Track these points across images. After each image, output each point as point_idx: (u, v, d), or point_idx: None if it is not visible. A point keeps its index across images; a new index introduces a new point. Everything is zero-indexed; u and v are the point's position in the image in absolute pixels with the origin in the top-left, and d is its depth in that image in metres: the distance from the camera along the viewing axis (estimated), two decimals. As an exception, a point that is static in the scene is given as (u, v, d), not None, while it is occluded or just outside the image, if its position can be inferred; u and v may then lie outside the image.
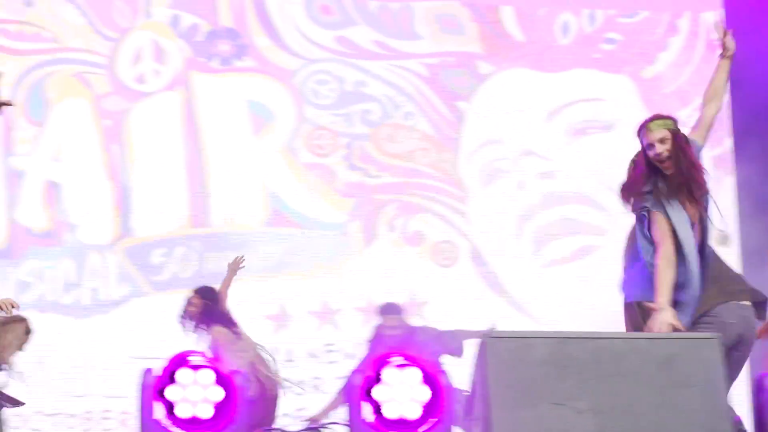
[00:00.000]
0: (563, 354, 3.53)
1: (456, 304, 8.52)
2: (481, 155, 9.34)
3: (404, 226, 9.17)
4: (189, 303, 7.40)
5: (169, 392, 3.89)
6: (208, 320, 7.28)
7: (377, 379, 3.80)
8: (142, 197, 8.94)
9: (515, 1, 9.63)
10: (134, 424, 5.76)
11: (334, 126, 9.33)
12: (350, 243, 9.07)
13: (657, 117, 4.99)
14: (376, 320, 7.78)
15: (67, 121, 8.99)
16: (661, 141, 4.84)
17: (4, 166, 8.91)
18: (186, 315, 7.37)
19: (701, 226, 4.85)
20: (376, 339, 7.61)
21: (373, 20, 9.46)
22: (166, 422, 3.82)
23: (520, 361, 3.52)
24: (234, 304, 7.70)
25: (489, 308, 8.76)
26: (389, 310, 7.79)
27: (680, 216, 4.76)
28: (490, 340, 3.56)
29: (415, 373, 3.78)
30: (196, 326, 7.27)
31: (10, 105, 3.68)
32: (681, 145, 4.85)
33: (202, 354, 4.13)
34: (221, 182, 9.10)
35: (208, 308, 7.29)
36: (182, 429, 3.83)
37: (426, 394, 3.72)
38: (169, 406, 3.87)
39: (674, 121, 4.96)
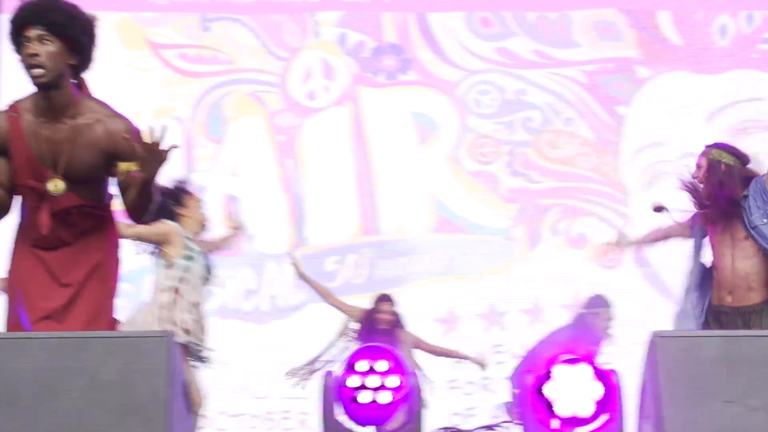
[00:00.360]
0: (733, 352, 3.45)
1: (620, 306, 8.37)
2: (642, 158, 9.19)
3: (567, 229, 9.08)
4: (380, 311, 7.49)
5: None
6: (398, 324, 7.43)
7: (548, 377, 3.76)
8: (315, 208, 9.06)
9: (672, 6, 9.44)
10: (313, 423, 5.85)
11: (496, 134, 9.30)
12: (515, 247, 9.02)
13: None
14: (579, 311, 7.79)
15: (243, 138, 9.19)
16: None
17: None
18: (380, 321, 7.46)
19: None
20: (579, 327, 7.58)
21: (531, 30, 9.40)
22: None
23: (690, 359, 3.45)
24: (404, 308, 7.77)
25: (653, 309, 8.59)
26: (596, 303, 7.78)
27: None
28: (659, 340, 3.49)
29: (586, 370, 3.73)
30: (386, 332, 7.34)
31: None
32: None
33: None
34: (389, 191, 9.16)
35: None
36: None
37: (598, 390, 3.67)
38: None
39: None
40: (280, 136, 9.20)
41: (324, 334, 7.70)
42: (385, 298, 7.60)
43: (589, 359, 3.74)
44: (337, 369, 3.94)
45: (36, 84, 3.79)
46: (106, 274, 3.98)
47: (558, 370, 3.76)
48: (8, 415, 3.23)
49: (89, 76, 4.01)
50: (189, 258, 6.00)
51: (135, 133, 3.84)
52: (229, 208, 7.97)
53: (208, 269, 6.15)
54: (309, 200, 9.04)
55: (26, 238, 3.94)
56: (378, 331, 7.36)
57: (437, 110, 9.32)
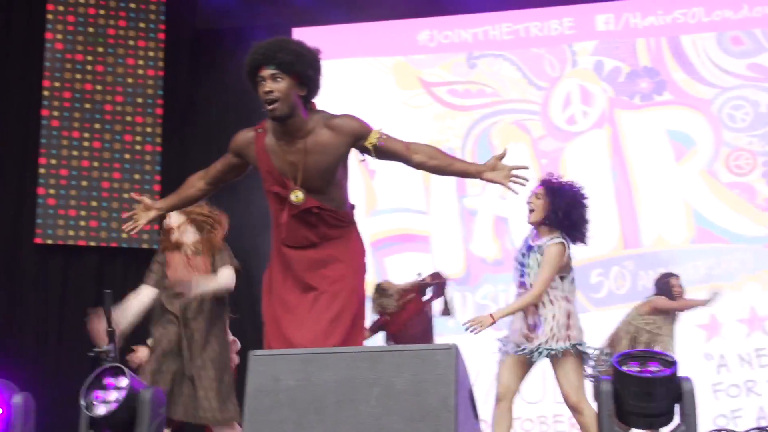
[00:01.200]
0: None
1: None
2: None
3: (826, 235, 8.65)
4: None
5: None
6: None
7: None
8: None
9: None
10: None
11: (751, 146, 8.96)
12: (775, 254, 8.67)
13: None
14: None
15: (509, 163, 9.21)
16: None
17: (459, 205, 9.29)
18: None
19: None
20: None
21: (782, 45, 9.04)
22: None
23: None
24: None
25: None
26: None
27: None
28: None
29: None
30: None
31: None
32: None
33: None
34: (648, 206, 8.98)
35: None
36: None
37: None
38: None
39: None
40: (543, 159, 9.19)
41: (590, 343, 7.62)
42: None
43: None
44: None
45: (272, 117, 4.04)
46: (346, 281, 4.16)
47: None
48: (316, 422, 3.37)
49: (368, 113, 4.21)
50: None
51: (356, 119, 4.14)
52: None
53: None
54: (573, 218, 8.97)
55: (277, 236, 4.20)
56: None
57: (692, 127, 9.09)
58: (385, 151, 4.12)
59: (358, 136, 4.10)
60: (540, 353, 5.44)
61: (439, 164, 4.11)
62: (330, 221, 4.17)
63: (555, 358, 5.44)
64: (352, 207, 4.29)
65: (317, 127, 4.09)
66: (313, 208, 4.11)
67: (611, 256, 8.91)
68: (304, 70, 4.06)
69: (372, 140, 4.08)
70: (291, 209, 4.10)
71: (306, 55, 4.08)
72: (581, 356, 5.48)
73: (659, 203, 8.95)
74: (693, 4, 9.26)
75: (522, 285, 5.57)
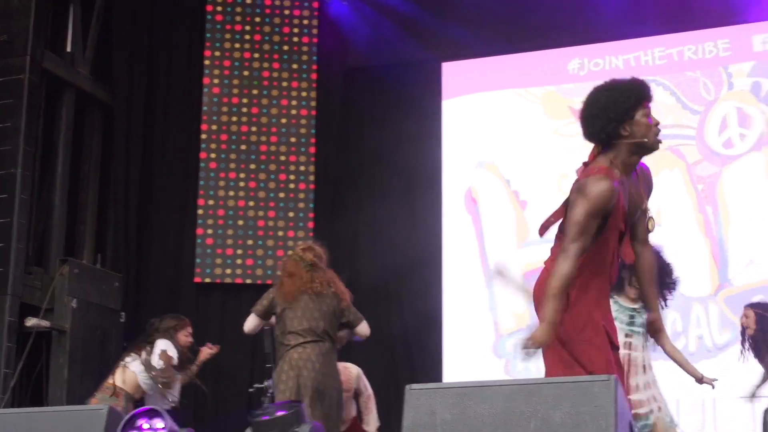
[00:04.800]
0: None
1: None
2: None
3: None
4: None
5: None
6: None
7: None
8: (738, 250, 8.70)
9: None
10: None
11: None
12: None
13: None
14: None
15: (665, 190, 9.01)
16: None
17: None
18: None
19: None
20: None
21: None
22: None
23: None
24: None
25: None
26: None
27: None
28: None
29: None
30: None
31: None
32: None
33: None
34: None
35: None
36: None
37: None
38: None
39: None
40: (699, 185, 8.95)
41: (753, 372, 7.36)
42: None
43: None
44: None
45: (656, 148, 4.15)
46: None
47: None
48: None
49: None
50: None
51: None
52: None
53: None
54: (731, 243, 8.69)
55: (604, 282, 4.11)
56: None
57: None
58: None
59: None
60: None
61: None
62: None
63: None
64: None
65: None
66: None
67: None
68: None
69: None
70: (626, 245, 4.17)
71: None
72: None
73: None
74: None
75: None
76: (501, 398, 3.39)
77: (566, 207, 4.09)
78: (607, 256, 4.06)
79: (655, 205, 8.98)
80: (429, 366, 9.18)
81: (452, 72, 9.95)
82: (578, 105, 9.73)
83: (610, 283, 4.11)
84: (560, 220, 4.14)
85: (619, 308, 5.92)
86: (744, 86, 9.09)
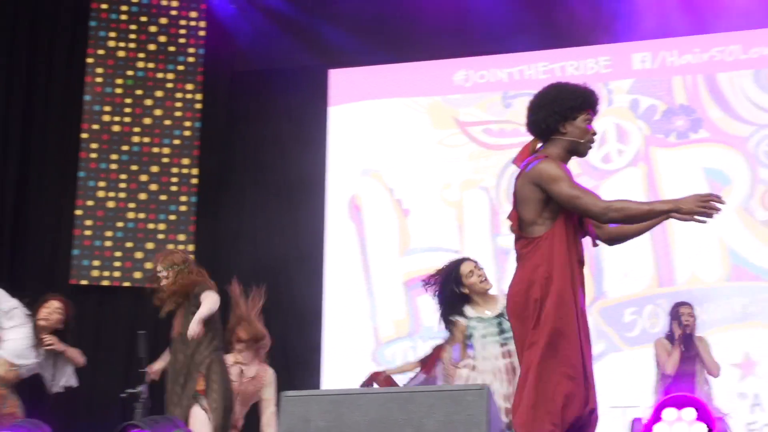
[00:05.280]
0: None
1: None
2: None
3: None
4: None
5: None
6: None
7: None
8: (613, 262, 8.90)
9: None
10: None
11: (787, 184, 8.88)
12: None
13: None
14: None
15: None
16: None
17: (493, 245, 9.25)
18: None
19: None
20: None
21: (820, 82, 8.97)
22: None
23: None
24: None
25: None
26: None
27: None
28: None
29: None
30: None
31: None
32: None
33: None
34: (683, 244, 8.88)
35: None
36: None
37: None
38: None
39: None
40: (578, 198, 9.12)
41: (623, 382, 7.55)
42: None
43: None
44: (645, 416, 3.84)
45: (586, 154, 4.23)
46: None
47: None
48: (345, 463, 3.35)
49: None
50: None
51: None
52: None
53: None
54: (607, 256, 8.89)
55: (571, 260, 4.17)
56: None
57: (728, 165, 9.00)
58: None
59: None
60: None
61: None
62: None
63: None
64: None
65: None
66: None
67: (645, 295, 8.82)
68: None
69: None
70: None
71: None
72: None
73: (694, 241, 8.84)
74: (730, 42, 9.20)
75: None
76: (376, 406, 3.40)
77: (516, 202, 4.12)
78: (570, 234, 4.13)
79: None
80: (308, 373, 9.15)
81: (339, 79, 9.97)
82: (463, 116, 9.94)
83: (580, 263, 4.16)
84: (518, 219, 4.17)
85: (484, 322, 5.98)
86: (623, 103, 9.32)
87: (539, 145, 4.22)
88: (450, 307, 6.10)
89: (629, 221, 4.10)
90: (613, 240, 4.30)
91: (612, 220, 4.05)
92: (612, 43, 9.38)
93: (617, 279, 8.89)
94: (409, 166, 9.59)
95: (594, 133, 4.19)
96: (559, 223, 4.04)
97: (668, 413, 3.77)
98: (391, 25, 9.72)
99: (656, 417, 3.81)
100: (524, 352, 3.88)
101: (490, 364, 5.79)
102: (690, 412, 3.71)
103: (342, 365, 9.23)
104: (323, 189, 9.70)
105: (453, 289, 6.10)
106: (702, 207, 3.86)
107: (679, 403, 3.78)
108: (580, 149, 4.17)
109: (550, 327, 3.88)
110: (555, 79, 9.25)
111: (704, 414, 3.70)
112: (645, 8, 9.11)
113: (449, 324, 6.12)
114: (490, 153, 9.48)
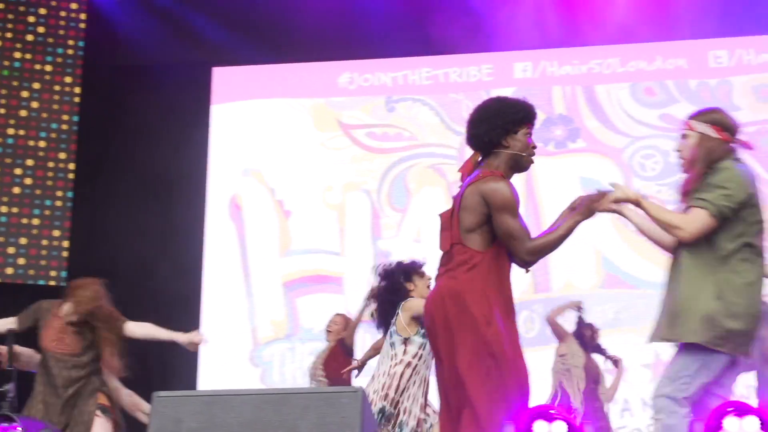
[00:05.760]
0: None
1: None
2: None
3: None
4: None
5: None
6: None
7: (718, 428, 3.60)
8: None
9: (830, 67, 9.13)
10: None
11: (659, 195, 9.10)
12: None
13: None
14: None
15: (425, 207, 9.25)
16: None
17: (373, 248, 9.28)
18: None
19: None
20: None
21: (693, 97, 9.22)
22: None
23: None
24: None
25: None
26: None
27: None
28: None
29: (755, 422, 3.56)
30: None
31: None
32: None
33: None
34: (559, 251, 8.98)
35: None
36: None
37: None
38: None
39: None
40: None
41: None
42: None
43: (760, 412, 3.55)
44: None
45: (527, 168, 4.30)
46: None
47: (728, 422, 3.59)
48: (217, 464, 3.31)
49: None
50: (424, 336, 5.87)
51: None
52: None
53: None
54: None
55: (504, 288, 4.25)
56: None
57: (604, 174, 9.20)
58: None
59: None
60: None
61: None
62: None
63: None
64: None
65: None
66: None
67: (521, 300, 8.91)
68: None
69: None
70: None
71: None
72: None
73: (569, 249, 8.96)
74: (609, 55, 9.43)
75: None
76: (249, 407, 3.38)
77: (459, 207, 4.12)
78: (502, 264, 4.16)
79: (416, 222, 9.27)
80: (184, 374, 9.03)
81: (223, 77, 9.88)
82: (346, 119, 9.95)
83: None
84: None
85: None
86: (504, 111, 9.44)
87: (480, 159, 4.24)
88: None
89: (553, 251, 4.24)
90: (528, 264, 4.30)
91: (535, 263, 4.18)
92: (495, 52, 9.51)
93: (495, 284, 8.99)
94: (292, 168, 9.56)
95: (534, 147, 4.24)
96: (500, 241, 4.09)
97: (729, 423, 3.71)
98: (277, 25, 9.67)
99: (716, 426, 3.75)
100: (455, 365, 3.90)
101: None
102: (753, 422, 3.66)
103: (219, 366, 9.13)
104: (204, 187, 9.59)
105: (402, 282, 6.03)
106: (596, 205, 4.23)
107: (741, 412, 3.72)
108: (522, 162, 4.21)
109: (486, 345, 3.90)
110: (438, 86, 9.50)
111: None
112: (527, 19, 9.26)
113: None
114: (373, 156, 9.52)
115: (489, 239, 4.07)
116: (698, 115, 4.28)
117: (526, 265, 4.17)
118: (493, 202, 4.04)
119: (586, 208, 4.25)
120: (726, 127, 4.23)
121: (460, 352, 3.91)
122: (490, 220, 4.06)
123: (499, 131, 4.15)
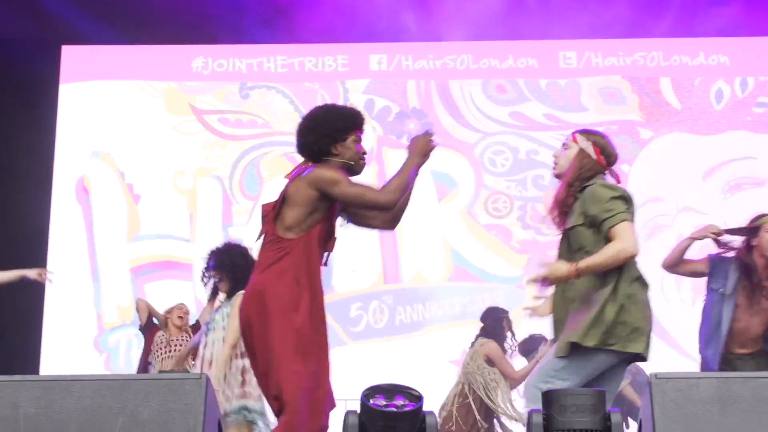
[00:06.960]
0: (726, 393, 3.40)
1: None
2: (643, 212, 9.13)
3: (575, 278, 9.02)
4: None
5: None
6: None
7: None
8: (341, 258, 9.06)
9: (673, 73, 9.46)
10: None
11: (509, 191, 9.30)
12: (525, 295, 8.98)
13: None
14: None
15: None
16: None
17: (224, 234, 9.19)
18: None
19: None
20: None
21: (543, 96, 9.45)
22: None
23: (686, 399, 3.40)
24: (421, 350, 7.71)
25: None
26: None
27: None
28: (656, 381, 3.44)
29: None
30: None
31: None
32: None
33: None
34: (410, 243, 9.16)
35: None
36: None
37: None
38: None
39: None
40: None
41: (346, 375, 7.67)
42: None
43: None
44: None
45: (360, 172, 4.35)
46: None
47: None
48: (55, 451, 3.24)
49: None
50: None
51: None
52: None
53: None
54: (336, 252, 9.00)
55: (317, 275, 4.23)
56: None
57: (455, 169, 9.35)
58: None
59: None
60: None
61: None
62: None
63: None
64: None
65: None
66: None
67: (371, 291, 9.03)
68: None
69: None
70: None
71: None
72: None
73: (420, 241, 9.14)
74: (462, 51, 9.56)
75: None
76: (89, 393, 3.30)
77: (281, 204, 4.10)
78: (321, 244, 4.19)
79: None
80: (26, 359, 8.79)
81: (73, 56, 9.62)
82: (199, 104, 9.82)
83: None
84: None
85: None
86: (358, 102, 9.47)
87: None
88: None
89: (405, 192, 4.25)
90: (394, 220, 4.38)
91: (397, 201, 4.19)
92: (350, 43, 9.54)
93: (345, 274, 9.05)
94: (142, 151, 9.38)
95: (364, 153, 4.30)
96: (314, 232, 4.07)
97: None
98: (131, 6, 9.45)
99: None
100: (267, 354, 3.90)
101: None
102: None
103: (62, 351, 8.91)
104: (51, 169, 9.33)
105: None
106: (430, 145, 4.35)
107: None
108: (354, 169, 4.25)
109: (297, 332, 3.90)
110: (294, 74, 9.46)
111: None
112: (382, 12, 9.33)
113: None
114: (226, 143, 9.43)
115: (305, 227, 4.10)
116: (585, 133, 4.41)
117: (389, 208, 4.22)
118: (323, 182, 4.06)
119: (419, 147, 4.34)
120: (606, 153, 4.36)
121: (271, 340, 3.92)
122: (316, 212, 4.07)
123: (327, 140, 4.20)
